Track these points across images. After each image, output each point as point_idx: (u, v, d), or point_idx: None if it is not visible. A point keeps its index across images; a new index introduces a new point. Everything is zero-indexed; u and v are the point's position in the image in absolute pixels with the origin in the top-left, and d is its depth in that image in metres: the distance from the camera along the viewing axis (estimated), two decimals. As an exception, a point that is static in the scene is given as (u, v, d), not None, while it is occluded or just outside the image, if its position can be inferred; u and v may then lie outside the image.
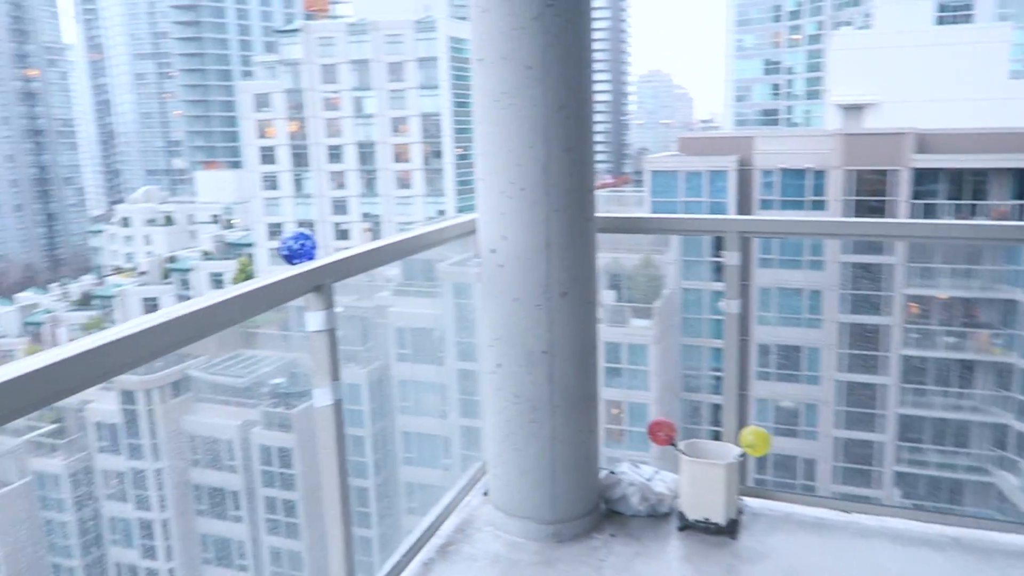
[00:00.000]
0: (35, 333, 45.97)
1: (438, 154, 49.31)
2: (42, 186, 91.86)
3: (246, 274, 44.79)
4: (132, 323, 1.67)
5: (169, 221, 62.38)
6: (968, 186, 21.84)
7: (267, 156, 50.09)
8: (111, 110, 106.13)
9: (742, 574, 2.72)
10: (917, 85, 27.93)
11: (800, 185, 22.96)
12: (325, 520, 2.34)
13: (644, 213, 18.49)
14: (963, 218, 21.22)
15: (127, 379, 21.55)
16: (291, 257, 2.27)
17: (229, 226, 60.85)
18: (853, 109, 29.98)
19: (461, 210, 44.78)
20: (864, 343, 22.34)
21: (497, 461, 2.94)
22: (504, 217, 2.75)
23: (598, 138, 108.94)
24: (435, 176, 49.66)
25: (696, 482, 2.93)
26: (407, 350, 22.96)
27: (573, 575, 2.69)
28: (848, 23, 54.86)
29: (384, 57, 48.31)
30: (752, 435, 2.98)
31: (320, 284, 2.22)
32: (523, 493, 2.88)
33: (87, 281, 60.01)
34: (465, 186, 48.24)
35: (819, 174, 22.70)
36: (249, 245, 51.21)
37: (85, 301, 52.28)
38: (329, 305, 2.24)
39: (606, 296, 23.49)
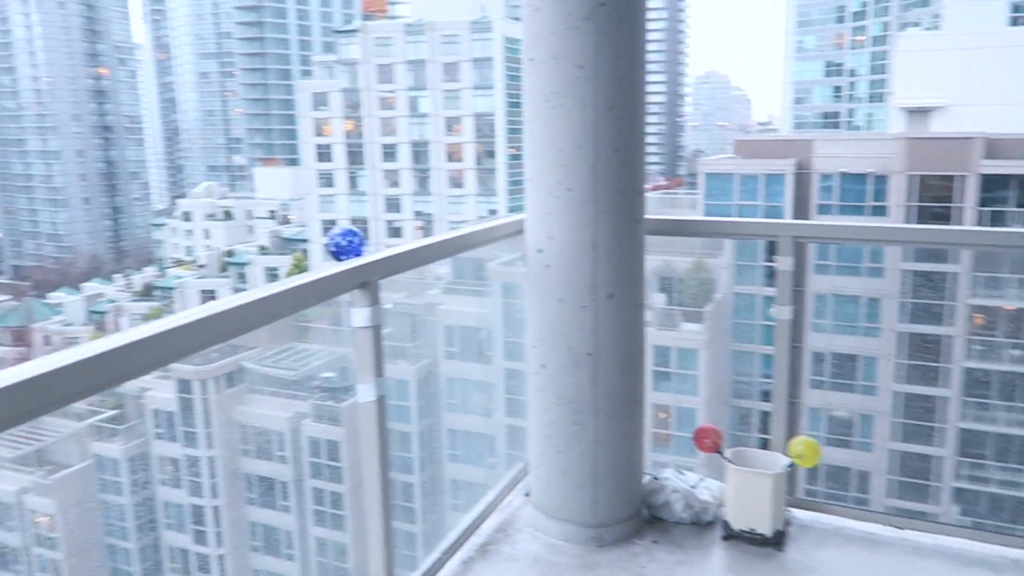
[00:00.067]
0: (99, 322, 47.68)
1: (491, 154, 49.52)
2: (109, 180, 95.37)
3: (300, 269, 45.66)
4: (186, 313, 1.72)
5: (228, 216, 64.07)
6: (1039, 193, 20.98)
7: (323, 154, 50.99)
8: (175, 108, 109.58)
9: (787, 588, 2.65)
10: (987, 88, 26.93)
11: (860, 190, 22.35)
12: (366, 514, 2.36)
13: (696, 216, 18.24)
14: (1033, 227, 20.35)
15: (183, 368, 22.18)
16: (339, 253, 2.30)
17: (285, 222, 62.15)
18: (918, 112, 29.06)
19: (512, 210, 44.86)
20: (924, 354, 21.63)
21: (539, 462, 2.93)
22: (551, 217, 2.73)
23: (651, 140, 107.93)
24: (487, 176, 49.89)
25: (742, 491, 2.87)
26: (455, 348, 23.10)
27: (613, 580, 2.66)
28: (916, 24, 53.18)
29: (440, 57, 48.72)
30: (801, 445, 2.90)
31: (366, 281, 2.24)
32: (564, 495, 2.86)
33: (149, 272, 61.99)
34: (517, 186, 48.32)
35: (880, 179, 22.06)
36: (304, 241, 52.22)
37: (147, 292, 54.01)
38: (375, 302, 2.25)
39: (656, 299, 23.24)
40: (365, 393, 2.27)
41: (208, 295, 45.86)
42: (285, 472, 22.97)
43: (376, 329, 2.26)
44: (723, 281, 24.10)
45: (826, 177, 22.73)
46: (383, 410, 2.29)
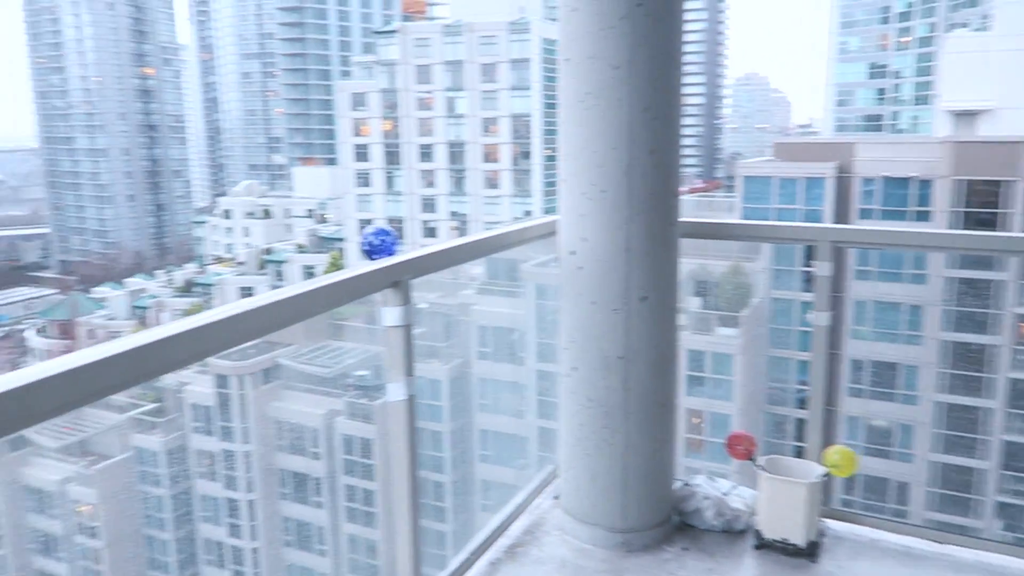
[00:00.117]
0: (141, 316, 48.74)
1: (527, 155, 49.52)
2: (153, 178, 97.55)
3: (337, 267, 46.15)
4: (223, 308, 1.75)
5: (267, 214, 65.04)
6: (1092, 200, 20.29)
7: (361, 153, 51.49)
8: (218, 107, 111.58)
9: (821, 599, 2.60)
10: (1038, 91, 26.14)
11: (903, 195, 21.85)
12: (394, 512, 2.37)
13: (732, 219, 18.01)
14: (1085, 234, 19.69)
15: (221, 364, 22.57)
16: (372, 252, 2.31)
17: (323, 221, 62.86)
18: (966, 115, 28.32)
19: (548, 211, 44.71)
20: (967, 363, 21.07)
21: (568, 465, 2.91)
22: (584, 219, 2.71)
23: (688, 141, 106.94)
24: (523, 177, 49.90)
25: (775, 500, 2.81)
26: (488, 348, 23.14)
27: (641, 586, 2.63)
28: (964, 24, 51.87)
29: (478, 58, 48.87)
30: (837, 454, 2.84)
31: (398, 280, 2.25)
32: (593, 499, 2.84)
33: (190, 269, 63.18)
34: (553, 188, 48.06)
35: (925, 183, 21.55)
36: (340, 240, 52.77)
37: (187, 288, 55.04)
38: (406, 301, 2.26)
39: (690, 303, 23.02)
40: (395, 392, 2.28)
41: (246, 291, 46.61)
42: (318, 468, 23.24)
43: (407, 328, 2.26)
44: (760, 285, 23.77)
45: (868, 181, 22.27)
46: (413, 409, 2.30)
